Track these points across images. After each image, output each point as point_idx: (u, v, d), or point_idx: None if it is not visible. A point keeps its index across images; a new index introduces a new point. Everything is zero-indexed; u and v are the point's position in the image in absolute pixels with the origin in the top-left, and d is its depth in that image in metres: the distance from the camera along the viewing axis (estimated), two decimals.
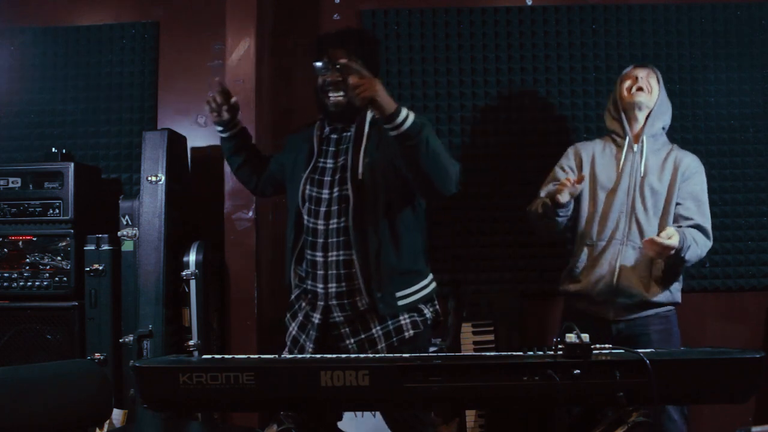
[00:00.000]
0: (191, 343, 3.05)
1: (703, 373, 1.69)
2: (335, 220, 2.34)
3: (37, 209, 3.18)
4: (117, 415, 3.01)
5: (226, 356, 1.91)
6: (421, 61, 3.50)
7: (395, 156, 2.27)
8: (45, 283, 3.15)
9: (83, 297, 3.12)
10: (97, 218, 3.26)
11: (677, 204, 2.68)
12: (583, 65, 3.47)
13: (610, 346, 1.76)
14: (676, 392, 1.70)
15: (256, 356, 1.95)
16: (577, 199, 2.73)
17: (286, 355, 2.17)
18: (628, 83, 2.75)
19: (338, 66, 2.30)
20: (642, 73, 2.75)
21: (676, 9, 3.46)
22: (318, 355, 2.05)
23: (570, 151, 2.89)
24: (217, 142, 3.53)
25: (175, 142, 3.26)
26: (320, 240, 2.36)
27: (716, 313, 3.36)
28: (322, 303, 2.36)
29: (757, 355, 1.67)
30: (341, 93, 2.35)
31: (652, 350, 1.95)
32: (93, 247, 3.13)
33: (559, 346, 1.71)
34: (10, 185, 3.22)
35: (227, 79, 3.26)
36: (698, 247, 2.60)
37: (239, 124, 2.59)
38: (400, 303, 2.34)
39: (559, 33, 3.48)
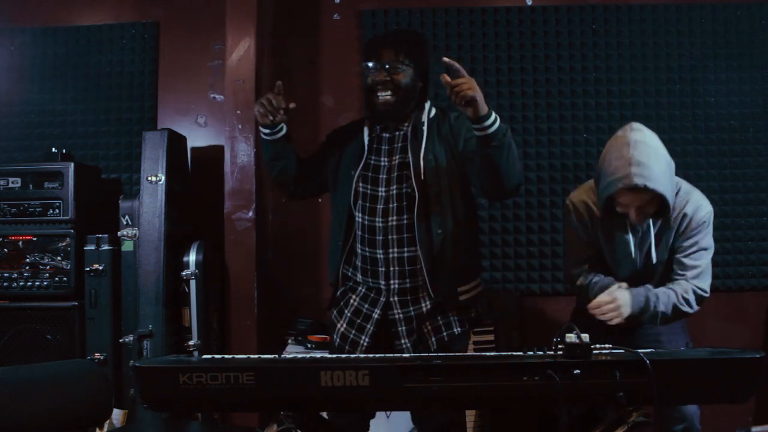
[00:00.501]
0: (191, 343, 3.06)
1: (703, 373, 1.68)
2: (394, 218, 2.34)
3: (37, 209, 3.18)
4: (117, 415, 3.01)
5: (226, 356, 1.91)
6: None
7: (461, 155, 2.33)
8: (45, 283, 3.15)
9: (83, 297, 3.12)
10: (97, 218, 3.26)
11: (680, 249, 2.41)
12: (583, 65, 3.47)
13: (610, 346, 1.76)
14: (676, 392, 1.70)
15: (256, 356, 1.95)
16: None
17: (286, 356, 2.17)
18: (622, 209, 2.29)
19: (387, 66, 2.32)
20: (637, 207, 2.25)
21: (676, 9, 3.46)
22: (318, 355, 2.05)
23: (571, 206, 2.51)
24: (217, 142, 3.56)
25: (175, 142, 3.26)
26: (380, 237, 2.35)
27: (716, 313, 3.36)
28: (383, 299, 2.36)
29: (757, 355, 1.67)
30: (389, 92, 2.33)
31: (652, 350, 1.94)
32: (93, 247, 3.13)
33: (559, 346, 1.71)
34: (10, 185, 3.22)
35: (227, 79, 3.26)
36: (673, 312, 2.34)
37: (284, 127, 2.48)
38: (462, 298, 2.36)
39: (559, 33, 3.48)
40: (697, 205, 2.39)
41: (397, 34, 2.53)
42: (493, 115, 2.16)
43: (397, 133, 2.41)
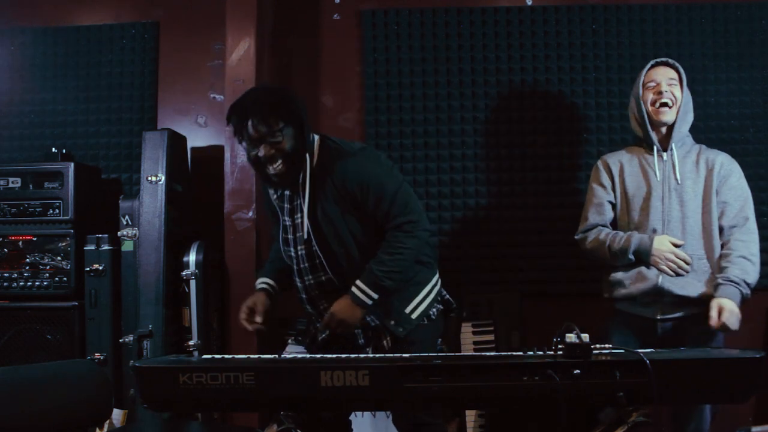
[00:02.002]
0: (191, 343, 3.05)
1: (703, 373, 1.69)
2: (312, 276, 2.37)
3: (37, 209, 3.18)
4: (117, 415, 3.01)
5: (226, 356, 1.91)
6: (421, 61, 3.50)
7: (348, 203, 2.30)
8: (45, 283, 3.15)
9: (83, 297, 3.12)
10: (97, 218, 3.26)
11: (721, 208, 2.58)
12: (583, 65, 3.47)
13: (611, 346, 1.76)
14: (676, 392, 1.70)
15: (256, 356, 1.95)
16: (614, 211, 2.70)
17: (286, 356, 2.17)
18: (651, 96, 2.61)
19: (265, 141, 2.20)
20: (665, 81, 2.61)
21: (676, 9, 3.46)
22: (318, 355, 2.05)
23: (599, 165, 2.75)
24: (217, 142, 3.56)
25: (175, 142, 3.26)
26: (304, 296, 2.42)
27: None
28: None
29: (757, 355, 1.67)
30: (279, 163, 2.22)
31: (652, 350, 1.94)
32: (93, 247, 3.13)
33: (559, 346, 1.71)
34: (10, 185, 3.22)
35: (227, 79, 3.26)
36: (751, 273, 2.50)
37: (266, 286, 2.53)
38: (414, 316, 2.36)
39: (559, 33, 3.48)
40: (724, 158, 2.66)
41: (257, 99, 2.25)
42: (366, 298, 2.25)
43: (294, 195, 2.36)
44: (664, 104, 2.59)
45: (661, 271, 2.52)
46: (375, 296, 2.25)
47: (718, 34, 3.45)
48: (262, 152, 2.21)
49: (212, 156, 3.50)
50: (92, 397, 2.04)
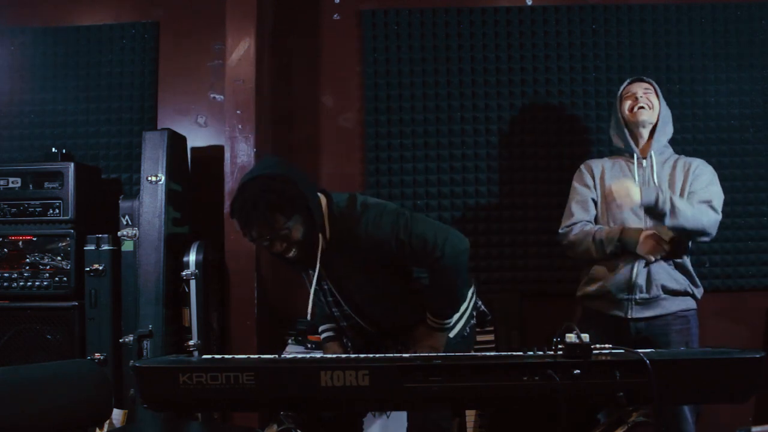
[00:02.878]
0: (191, 343, 3.05)
1: (703, 373, 1.68)
2: (356, 330, 2.36)
3: (37, 209, 3.18)
4: (117, 415, 3.01)
5: (226, 356, 1.91)
6: (421, 61, 3.50)
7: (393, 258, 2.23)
8: (45, 283, 3.15)
9: (83, 297, 3.12)
10: (97, 218, 3.26)
11: (690, 198, 2.67)
12: (583, 65, 3.47)
13: (610, 346, 1.76)
14: (676, 392, 1.70)
15: (256, 356, 1.95)
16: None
17: (286, 356, 2.17)
18: (628, 103, 2.75)
19: (273, 240, 2.11)
20: (640, 90, 2.75)
21: (676, 9, 3.46)
22: (318, 355, 2.05)
23: (582, 167, 2.87)
24: (217, 142, 3.56)
25: (175, 142, 3.26)
26: (359, 341, 2.41)
27: (716, 313, 3.36)
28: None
29: (757, 355, 1.66)
30: (293, 252, 2.15)
31: (652, 350, 1.94)
32: (93, 247, 3.13)
33: (559, 346, 1.71)
34: (10, 185, 3.22)
35: (227, 79, 3.26)
36: (688, 211, 2.53)
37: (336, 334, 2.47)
38: (452, 335, 2.33)
39: (559, 33, 3.48)
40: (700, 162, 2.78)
41: (256, 204, 2.05)
42: (446, 321, 2.24)
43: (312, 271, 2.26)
44: (641, 107, 2.72)
45: (645, 257, 2.58)
46: (448, 321, 2.25)
47: (718, 34, 3.45)
48: (275, 249, 2.14)
49: (212, 156, 3.50)
50: (92, 397, 2.04)
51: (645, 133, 2.75)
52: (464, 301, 2.37)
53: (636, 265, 2.61)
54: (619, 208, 2.68)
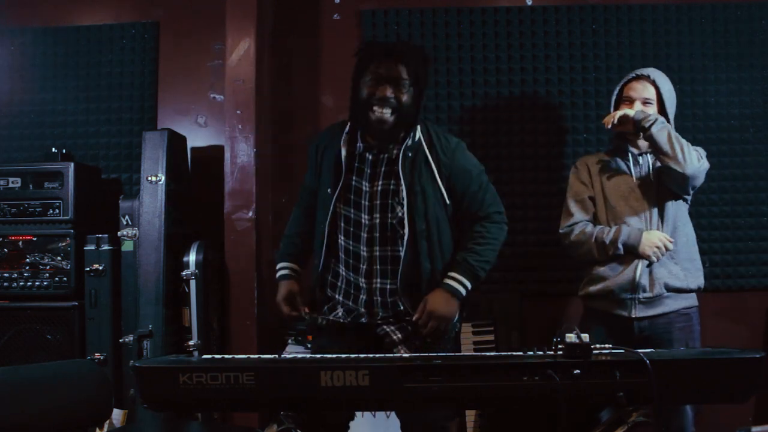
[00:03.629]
0: (191, 343, 3.05)
1: (703, 373, 1.68)
2: (378, 248, 2.32)
3: (37, 209, 3.18)
4: (117, 415, 3.01)
5: (226, 356, 1.91)
6: None
7: (455, 206, 2.35)
8: (45, 283, 3.15)
9: (83, 297, 3.12)
10: (97, 218, 3.26)
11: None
12: (583, 65, 3.47)
13: (610, 346, 1.76)
14: (676, 392, 1.70)
15: (256, 356, 1.95)
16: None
17: (286, 356, 2.17)
18: (632, 108, 2.68)
19: (391, 81, 2.24)
20: (637, 94, 2.69)
21: (676, 9, 3.46)
22: (318, 356, 2.05)
23: (577, 164, 2.86)
24: (217, 142, 3.56)
25: (175, 142, 3.26)
26: (363, 266, 2.33)
27: (716, 313, 3.35)
28: (365, 320, 2.36)
29: (757, 355, 1.67)
30: (389, 111, 2.22)
31: (652, 350, 1.94)
32: (93, 247, 3.13)
33: (559, 346, 1.71)
34: (10, 185, 3.22)
35: (227, 79, 3.26)
36: (681, 139, 2.58)
37: (298, 271, 2.53)
38: (456, 319, 2.40)
39: (559, 33, 3.48)
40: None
41: (403, 46, 2.37)
42: (460, 290, 2.29)
43: (381, 156, 2.33)
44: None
45: (647, 257, 2.58)
46: (469, 287, 2.27)
47: (718, 34, 3.45)
48: (384, 92, 2.21)
49: (212, 156, 3.50)
50: (92, 397, 2.04)
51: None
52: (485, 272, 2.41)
53: (638, 265, 2.60)
54: (616, 203, 2.68)
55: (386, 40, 3.50)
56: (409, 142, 2.30)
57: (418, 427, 2.34)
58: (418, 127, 2.34)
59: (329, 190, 2.34)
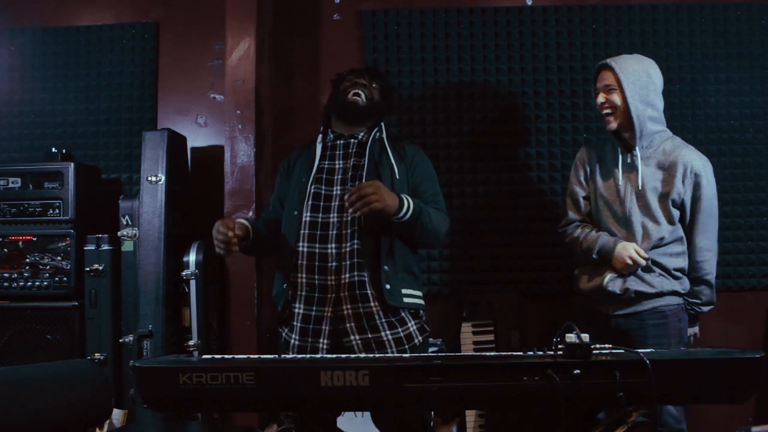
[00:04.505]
0: (191, 343, 3.06)
1: (703, 373, 1.68)
2: (343, 244, 2.41)
3: (37, 209, 3.18)
4: (117, 415, 3.01)
5: (226, 356, 1.91)
6: (421, 61, 3.50)
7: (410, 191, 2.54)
8: (45, 283, 3.15)
9: (83, 297, 3.12)
10: (97, 218, 3.26)
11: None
12: (583, 65, 3.47)
13: (610, 346, 1.76)
14: (676, 392, 1.70)
15: (256, 356, 1.95)
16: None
17: (286, 356, 2.17)
18: (599, 100, 2.68)
19: (364, 78, 2.60)
20: (600, 84, 2.69)
21: (676, 9, 3.46)
22: (318, 355, 2.05)
23: (576, 161, 2.87)
24: (217, 142, 3.56)
25: (175, 142, 3.26)
26: (333, 232, 2.43)
27: (716, 313, 3.35)
28: (333, 296, 2.39)
29: (757, 355, 1.67)
30: (362, 95, 2.56)
31: (652, 350, 1.95)
32: (93, 247, 3.13)
33: (559, 346, 1.71)
34: (10, 185, 3.22)
35: (227, 79, 3.26)
36: (712, 288, 2.71)
37: (248, 228, 2.51)
38: (405, 300, 2.43)
39: (559, 33, 3.48)
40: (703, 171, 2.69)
41: (369, 70, 2.76)
42: (404, 206, 2.35)
43: (352, 140, 2.57)
44: (606, 115, 2.68)
45: (619, 269, 2.61)
46: (409, 214, 2.36)
47: (718, 34, 3.45)
48: (358, 85, 2.57)
49: (212, 156, 3.50)
50: (92, 397, 2.04)
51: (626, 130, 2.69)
52: (441, 235, 2.55)
53: (607, 276, 2.63)
54: (604, 203, 2.71)
55: (386, 41, 3.51)
56: (377, 134, 2.60)
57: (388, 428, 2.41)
58: (383, 126, 2.63)
59: (303, 178, 2.54)
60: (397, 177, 2.49)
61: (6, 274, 3.16)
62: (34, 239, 3.17)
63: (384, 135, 2.62)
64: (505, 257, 3.44)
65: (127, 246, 3.12)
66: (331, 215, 2.45)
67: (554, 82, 3.47)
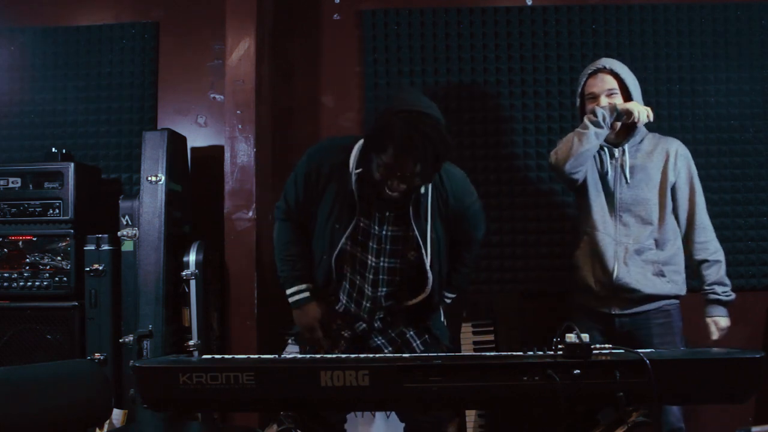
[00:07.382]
0: (191, 343, 3.06)
1: (703, 373, 1.69)
2: (384, 289, 2.37)
3: (37, 209, 3.18)
4: (117, 415, 3.01)
5: (226, 356, 1.91)
6: (421, 61, 3.50)
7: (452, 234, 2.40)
8: (45, 283, 3.15)
9: (83, 297, 3.12)
10: (97, 218, 3.26)
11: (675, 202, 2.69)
12: (583, 65, 3.43)
13: (611, 346, 1.76)
14: (676, 392, 1.70)
15: (256, 356, 1.95)
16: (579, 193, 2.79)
17: (286, 356, 2.17)
18: (601, 103, 2.64)
19: (402, 175, 2.12)
20: (599, 89, 2.66)
21: (676, 9, 3.46)
22: (318, 356, 2.05)
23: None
24: (217, 142, 3.56)
25: (175, 142, 3.26)
26: (367, 304, 2.38)
27: None
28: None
29: (757, 355, 1.67)
30: (403, 188, 2.15)
31: (652, 350, 1.95)
32: (93, 247, 3.13)
33: (559, 346, 1.71)
34: (10, 185, 3.22)
35: (227, 79, 3.26)
36: (723, 265, 2.68)
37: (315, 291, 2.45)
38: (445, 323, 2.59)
39: (559, 33, 3.48)
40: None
41: (424, 146, 2.07)
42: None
43: (388, 212, 2.30)
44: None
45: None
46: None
47: (718, 34, 3.45)
48: (393, 186, 2.14)
49: (212, 156, 3.50)
50: (92, 397, 2.04)
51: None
52: None
53: (615, 267, 2.63)
54: (597, 193, 2.70)
55: (386, 41, 3.51)
56: (426, 191, 2.30)
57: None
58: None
59: (337, 225, 2.29)
60: (444, 238, 2.35)
61: (6, 274, 3.16)
62: (34, 239, 3.17)
63: (428, 192, 2.28)
64: (505, 257, 3.44)
65: (127, 246, 3.12)
66: (366, 286, 2.36)
67: (554, 82, 3.46)
